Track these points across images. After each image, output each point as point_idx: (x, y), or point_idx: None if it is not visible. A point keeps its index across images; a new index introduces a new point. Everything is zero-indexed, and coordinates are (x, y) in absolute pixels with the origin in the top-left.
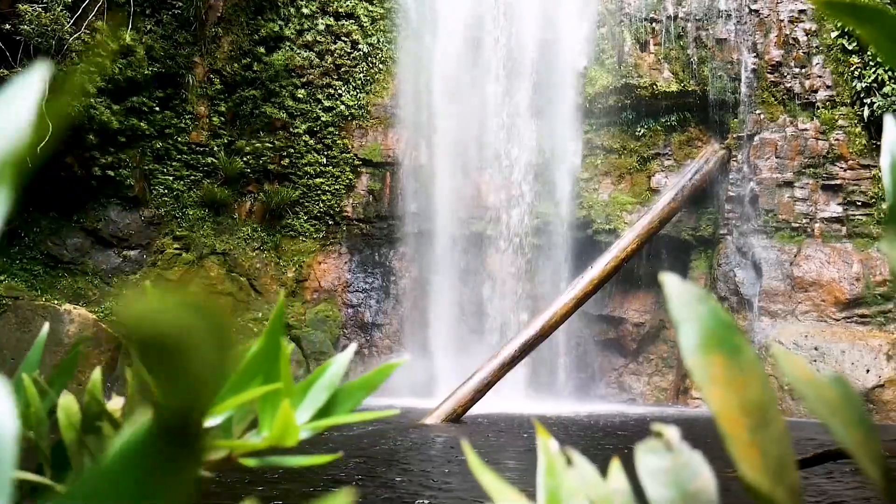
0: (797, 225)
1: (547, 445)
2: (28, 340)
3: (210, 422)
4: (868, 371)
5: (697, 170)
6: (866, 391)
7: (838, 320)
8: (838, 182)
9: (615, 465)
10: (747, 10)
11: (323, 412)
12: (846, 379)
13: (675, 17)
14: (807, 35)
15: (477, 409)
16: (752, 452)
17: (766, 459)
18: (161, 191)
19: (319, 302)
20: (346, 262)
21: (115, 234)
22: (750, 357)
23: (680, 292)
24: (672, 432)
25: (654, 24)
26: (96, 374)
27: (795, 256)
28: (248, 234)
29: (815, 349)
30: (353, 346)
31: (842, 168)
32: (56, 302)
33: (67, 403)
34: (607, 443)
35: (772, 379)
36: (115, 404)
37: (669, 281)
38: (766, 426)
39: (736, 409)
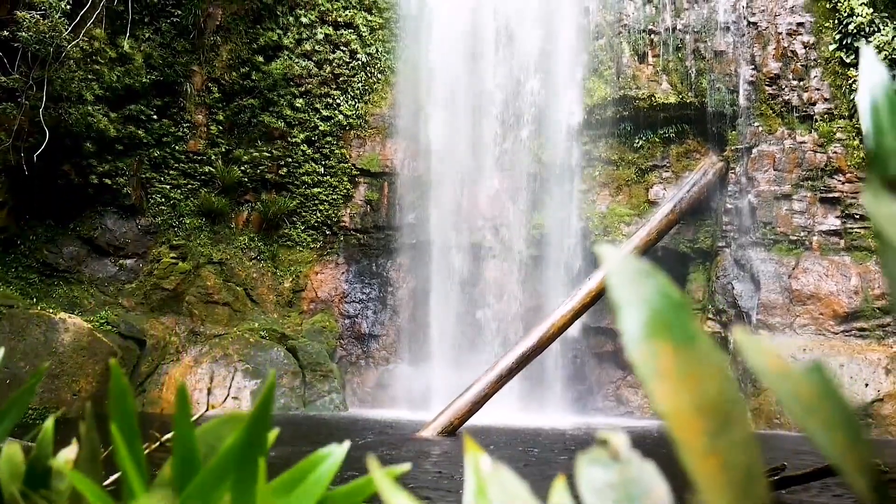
0: (795, 238)
1: (477, 464)
2: (22, 349)
3: None
4: (867, 385)
5: (695, 182)
6: (865, 405)
7: (837, 334)
8: (836, 195)
9: (559, 484)
10: (745, 22)
11: None
12: (826, 367)
13: (674, 28)
14: (805, 48)
15: (474, 422)
16: (710, 463)
17: (729, 472)
18: (158, 199)
19: (316, 312)
20: (343, 273)
21: (112, 243)
22: (706, 345)
23: (620, 268)
24: (620, 440)
25: (652, 36)
26: (48, 424)
27: (793, 269)
28: (244, 244)
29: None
30: (346, 445)
31: (840, 181)
32: (51, 310)
33: (11, 454)
34: None
35: (769, 392)
36: (68, 453)
37: (606, 253)
38: (728, 430)
39: (689, 409)
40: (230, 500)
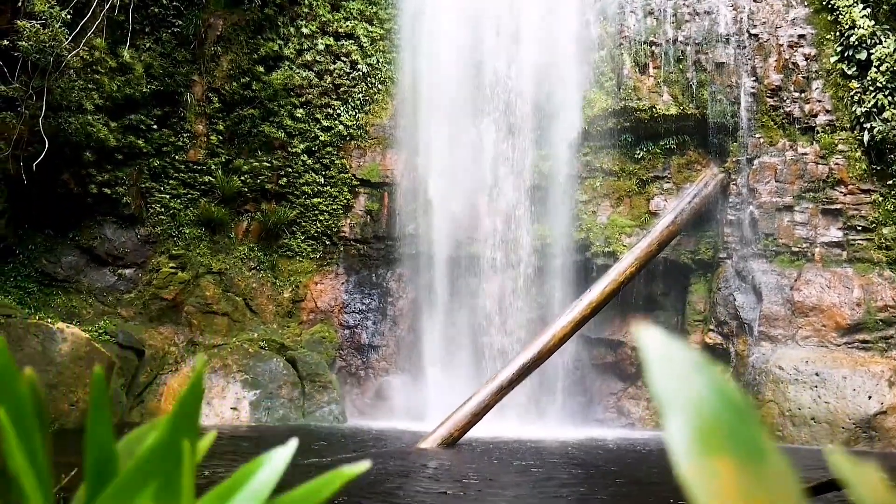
0: (797, 249)
1: None
2: (20, 360)
3: None
4: (870, 398)
5: (697, 193)
6: (868, 418)
7: (839, 346)
8: (838, 206)
9: None
10: (747, 34)
11: None
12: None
13: (675, 40)
14: (806, 60)
15: (473, 434)
16: None
17: None
18: (158, 209)
19: (316, 323)
20: (342, 283)
21: (111, 253)
22: (777, 462)
23: (664, 358)
24: None
25: (653, 48)
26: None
27: (795, 281)
28: (244, 254)
29: (816, 375)
30: (293, 442)
31: (842, 192)
32: (49, 320)
33: None
34: (606, 468)
35: (771, 405)
36: None
37: (648, 339)
38: None
39: None
40: (154, 490)
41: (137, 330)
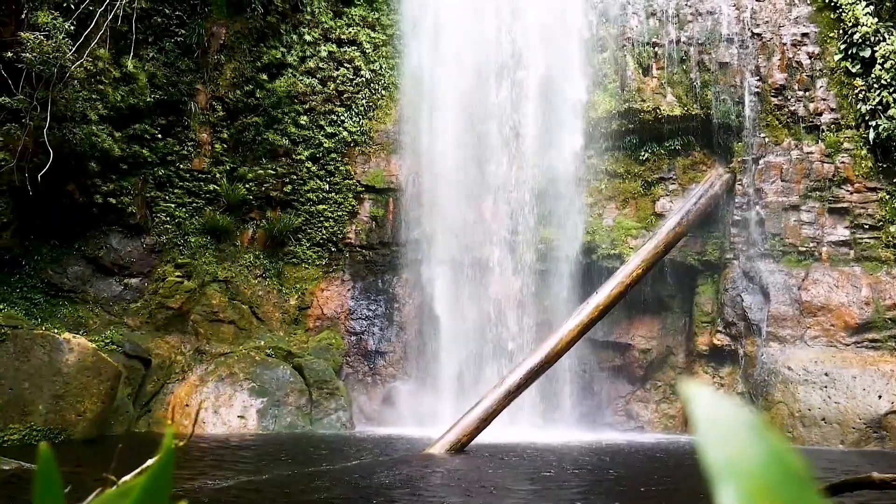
0: (804, 249)
1: None
2: (27, 371)
3: None
4: (880, 397)
5: (702, 194)
6: (879, 417)
7: (848, 345)
8: (845, 205)
9: None
10: (750, 33)
11: None
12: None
13: (678, 41)
14: (810, 58)
15: (482, 438)
16: None
17: None
18: (163, 218)
19: (322, 329)
20: (349, 290)
21: (117, 262)
22: None
23: (714, 418)
24: None
25: (656, 49)
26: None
27: (803, 280)
28: (250, 262)
29: (826, 375)
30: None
31: (848, 191)
32: (55, 331)
33: None
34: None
35: (781, 406)
36: None
37: (697, 399)
38: None
39: None
40: None
41: (144, 339)
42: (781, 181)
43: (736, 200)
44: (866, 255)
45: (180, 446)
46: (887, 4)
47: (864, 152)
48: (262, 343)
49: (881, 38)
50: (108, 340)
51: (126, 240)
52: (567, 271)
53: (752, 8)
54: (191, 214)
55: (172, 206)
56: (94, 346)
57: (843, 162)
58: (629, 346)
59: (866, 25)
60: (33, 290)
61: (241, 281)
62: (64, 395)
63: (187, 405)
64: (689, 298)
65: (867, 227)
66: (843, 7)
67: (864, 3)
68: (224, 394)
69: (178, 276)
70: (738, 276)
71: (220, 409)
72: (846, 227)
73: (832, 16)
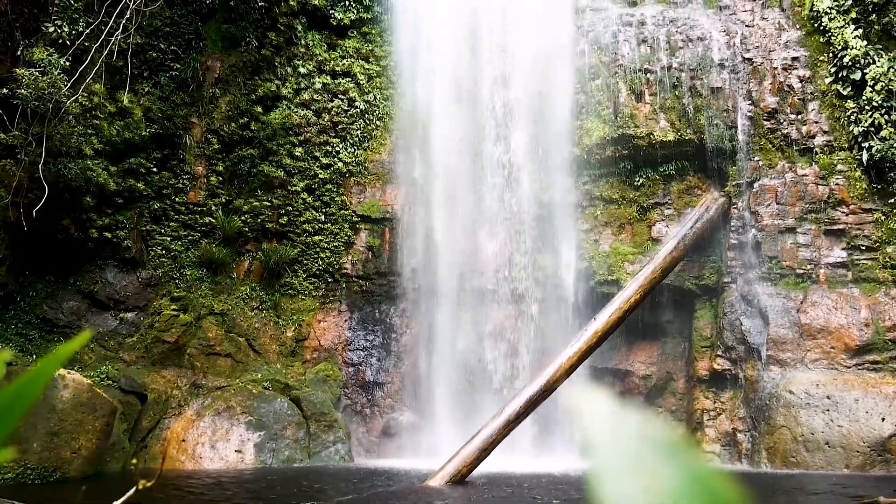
0: (802, 271)
1: None
2: None
3: None
4: (883, 420)
5: (698, 218)
6: (883, 440)
7: (849, 367)
8: (841, 227)
9: None
10: (740, 58)
11: None
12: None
13: (669, 67)
14: (801, 81)
15: (482, 469)
16: None
17: None
18: (159, 251)
19: (320, 361)
20: (346, 320)
21: (112, 297)
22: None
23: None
24: None
25: (648, 75)
26: None
27: (802, 303)
28: (246, 294)
29: (828, 398)
30: None
31: (844, 213)
32: None
33: None
34: None
35: (784, 430)
36: None
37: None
38: None
39: None
40: None
41: (140, 374)
42: (777, 204)
43: (732, 224)
44: (864, 277)
45: (172, 483)
46: (876, 28)
47: (858, 174)
48: (259, 376)
49: (871, 61)
50: (103, 376)
51: (121, 274)
52: (564, 298)
53: (742, 33)
54: (186, 247)
55: (168, 239)
56: (89, 381)
57: (837, 184)
58: (629, 373)
59: (856, 48)
60: (28, 327)
61: (237, 313)
62: (59, 432)
63: (184, 440)
64: (687, 323)
65: (864, 248)
66: (832, 31)
67: (852, 27)
68: (221, 428)
69: (173, 310)
70: (736, 300)
71: (217, 443)
72: (843, 249)
73: (821, 39)
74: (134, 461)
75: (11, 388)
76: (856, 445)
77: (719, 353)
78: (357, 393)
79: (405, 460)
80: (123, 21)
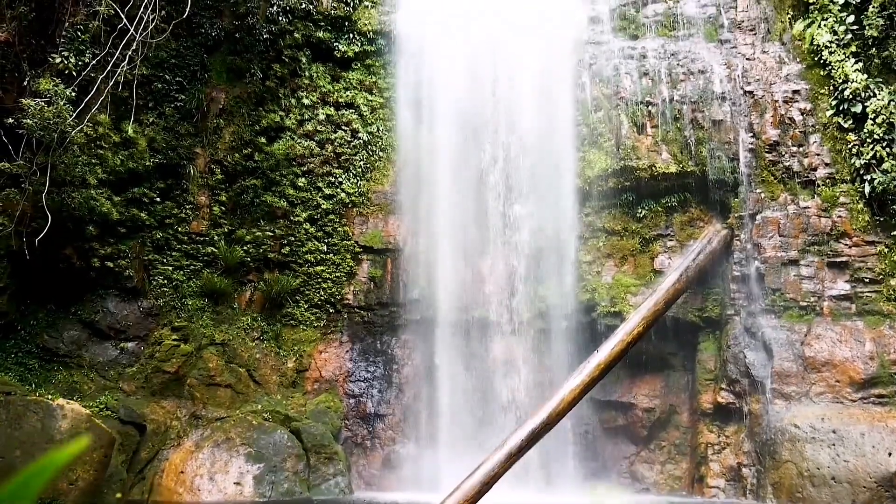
0: (805, 304)
1: None
2: (19, 438)
3: None
4: (890, 454)
5: (701, 250)
6: (890, 476)
7: (855, 401)
8: (844, 259)
9: None
10: (741, 91)
11: None
12: None
13: (671, 99)
14: (802, 114)
15: (484, 502)
16: None
17: None
18: (160, 281)
19: (320, 392)
20: (347, 351)
21: (113, 326)
22: None
23: None
24: None
25: (650, 108)
26: None
27: (806, 336)
28: (247, 324)
29: (833, 432)
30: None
31: (846, 245)
32: (49, 396)
33: None
34: None
35: (789, 465)
36: None
37: None
38: None
39: None
40: None
41: (139, 404)
42: (779, 236)
43: (735, 256)
44: (868, 309)
45: None
46: (876, 61)
47: (860, 206)
48: (260, 407)
49: (871, 94)
50: (102, 406)
51: (123, 303)
52: (567, 330)
53: (743, 66)
54: (188, 277)
55: (170, 268)
56: (88, 412)
57: (840, 216)
58: (632, 406)
59: (856, 82)
60: (28, 356)
61: (238, 344)
62: None
63: (182, 472)
64: (691, 356)
65: (867, 280)
66: (833, 64)
67: (853, 60)
68: (220, 459)
69: (174, 340)
70: (739, 333)
71: (216, 475)
72: (846, 281)
73: (822, 73)
74: (119, 495)
75: (8, 486)
76: (862, 481)
77: (723, 386)
78: (358, 425)
79: (406, 493)
80: (129, 52)
